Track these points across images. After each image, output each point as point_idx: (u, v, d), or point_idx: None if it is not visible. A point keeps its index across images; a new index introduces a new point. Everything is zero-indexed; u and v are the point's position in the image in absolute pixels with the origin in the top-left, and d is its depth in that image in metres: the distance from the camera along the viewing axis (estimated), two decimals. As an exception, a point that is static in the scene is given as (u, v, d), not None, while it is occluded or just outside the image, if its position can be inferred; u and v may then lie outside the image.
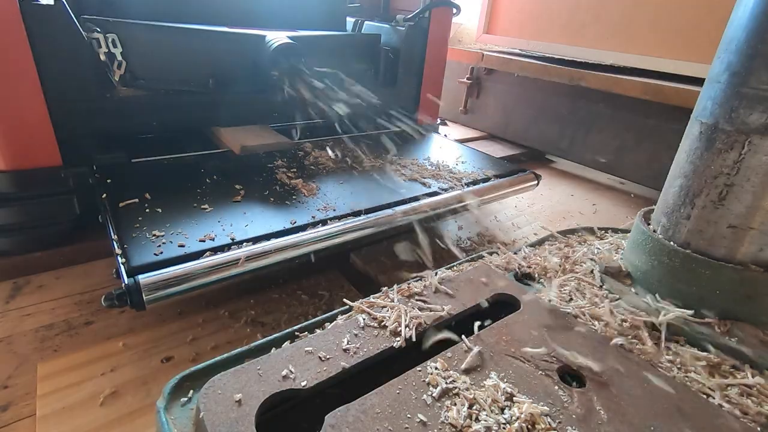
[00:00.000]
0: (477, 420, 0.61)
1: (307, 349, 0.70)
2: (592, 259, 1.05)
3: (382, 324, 0.77)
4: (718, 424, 0.64)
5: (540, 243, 1.18)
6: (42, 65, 1.11)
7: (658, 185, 0.99)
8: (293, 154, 1.51)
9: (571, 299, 0.91)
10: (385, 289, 0.87)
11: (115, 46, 1.29)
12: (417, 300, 0.84)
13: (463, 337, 0.75)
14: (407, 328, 0.76)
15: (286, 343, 0.73)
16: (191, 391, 0.65)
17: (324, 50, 1.70)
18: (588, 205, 2.03)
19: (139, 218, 1.01)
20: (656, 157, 2.06)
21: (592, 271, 1.00)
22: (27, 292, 1.13)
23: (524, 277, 1.00)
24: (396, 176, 1.42)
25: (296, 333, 0.77)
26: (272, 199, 1.17)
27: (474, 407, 0.63)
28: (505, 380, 0.68)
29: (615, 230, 1.25)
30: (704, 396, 0.69)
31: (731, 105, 0.80)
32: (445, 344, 0.74)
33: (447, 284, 0.90)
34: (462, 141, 2.38)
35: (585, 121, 2.33)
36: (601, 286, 0.96)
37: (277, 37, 1.47)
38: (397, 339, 0.74)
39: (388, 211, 1.20)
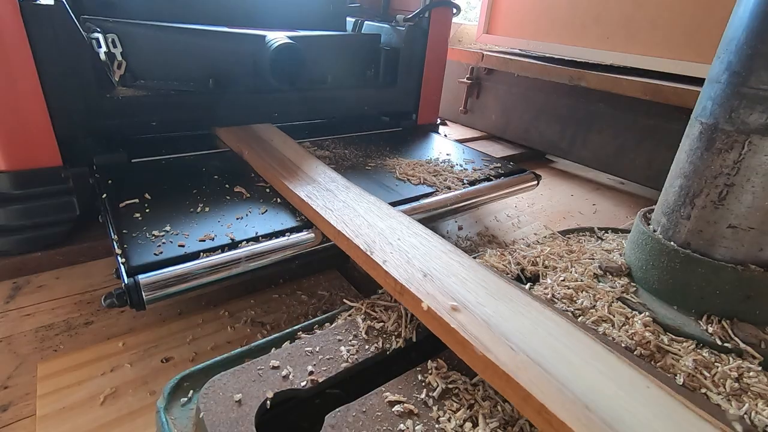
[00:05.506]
0: (477, 420, 0.61)
1: (307, 349, 0.70)
2: (591, 259, 1.05)
3: (382, 324, 0.77)
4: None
5: (540, 243, 1.18)
6: (42, 65, 1.11)
7: (658, 185, 0.99)
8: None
9: (572, 299, 0.91)
10: (385, 289, 0.87)
11: (115, 46, 1.29)
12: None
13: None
14: (407, 328, 0.76)
15: (286, 343, 0.73)
16: (191, 391, 0.65)
17: (324, 50, 1.70)
18: (588, 205, 2.03)
19: (139, 218, 1.01)
20: (656, 157, 2.06)
21: (594, 274, 1.00)
22: (27, 292, 1.13)
23: (524, 277, 1.00)
24: (396, 176, 1.42)
25: (296, 333, 0.77)
26: (275, 199, 1.17)
27: (474, 407, 0.63)
28: (505, 380, 0.68)
29: (615, 230, 1.25)
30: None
31: (731, 105, 0.80)
32: (445, 344, 0.74)
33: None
34: (462, 141, 2.38)
35: (585, 121, 2.33)
36: (601, 285, 0.96)
37: (277, 37, 1.47)
38: (398, 339, 0.74)
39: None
